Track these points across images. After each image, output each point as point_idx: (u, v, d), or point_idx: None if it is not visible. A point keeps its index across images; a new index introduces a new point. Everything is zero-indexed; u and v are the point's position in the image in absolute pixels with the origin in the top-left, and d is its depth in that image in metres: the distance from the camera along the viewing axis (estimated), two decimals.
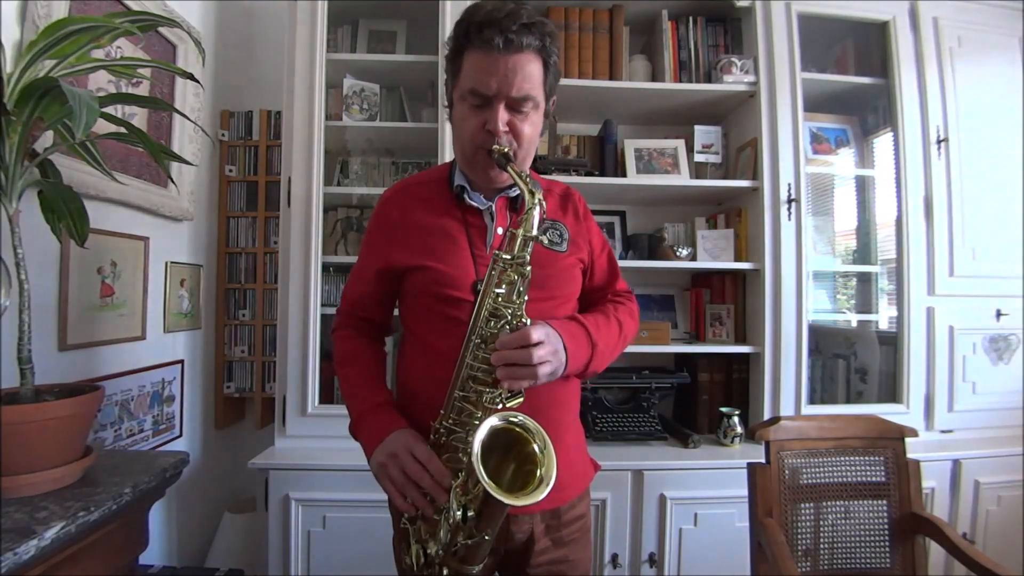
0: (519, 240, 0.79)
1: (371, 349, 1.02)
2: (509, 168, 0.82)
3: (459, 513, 0.75)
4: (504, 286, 0.80)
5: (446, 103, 0.94)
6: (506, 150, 0.83)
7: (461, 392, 0.80)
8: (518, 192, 0.93)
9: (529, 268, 0.80)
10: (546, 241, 0.88)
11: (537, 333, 0.77)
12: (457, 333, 0.85)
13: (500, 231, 0.92)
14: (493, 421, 0.75)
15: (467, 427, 0.80)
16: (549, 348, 0.78)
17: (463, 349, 0.81)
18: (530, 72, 0.83)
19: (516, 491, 0.73)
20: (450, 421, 0.81)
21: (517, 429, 0.77)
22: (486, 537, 0.76)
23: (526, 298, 0.80)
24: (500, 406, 0.77)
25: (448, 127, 1.66)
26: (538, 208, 0.80)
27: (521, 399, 0.78)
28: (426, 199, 0.94)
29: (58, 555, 0.75)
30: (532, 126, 0.87)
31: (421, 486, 0.78)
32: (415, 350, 0.95)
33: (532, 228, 0.80)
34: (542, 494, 0.72)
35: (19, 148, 0.83)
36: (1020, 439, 1.76)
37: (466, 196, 0.91)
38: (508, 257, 0.79)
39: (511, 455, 0.79)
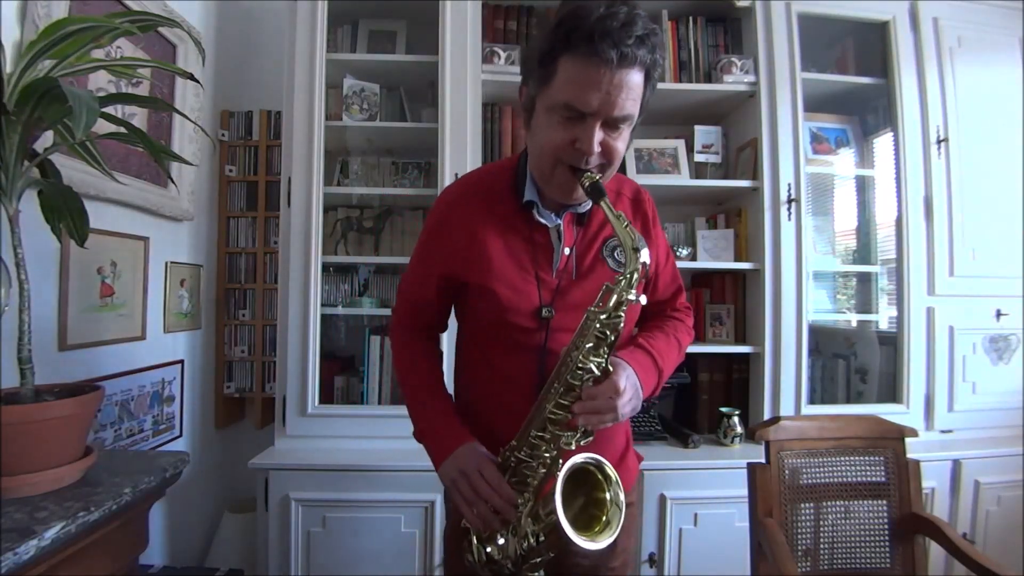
0: (614, 298, 0.75)
1: (431, 350, 1.01)
2: (604, 204, 0.76)
3: (533, 540, 0.78)
4: (593, 339, 0.77)
5: (524, 105, 0.84)
6: (597, 179, 0.77)
7: (537, 432, 0.80)
8: (587, 209, 0.89)
9: (623, 327, 0.76)
10: (612, 264, 0.87)
11: (622, 381, 0.76)
12: (519, 356, 0.85)
13: (567, 251, 0.87)
14: (577, 460, 0.76)
15: (538, 459, 0.81)
16: (631, 392, 0.78)
17: (543, 392, 0.80)
18: (633, 88, 0.74)
19: (581, 527, 0.76)
20: (522, 453, 0.82)
21: (598, 476, 0.79)
22: (550, 554, 0.80)
23: (609, 355, 0.78)
24: (574, 447, 0.78)
25: (448, 127, 1.66)
26: (641, 270, 0.74)
27: (591, 438, 0.78)
28: (491, 210, 0.88)
29: (58, 555, 0.75)
30: (624, 142, 0.80)
31: (491, 504, 0.80)
32: (476, 362, 0.95)
33: (631, 292, 0.75)
34: (607, 541, 0.74)
35: (19, 148, 0.83)
36: (1020, 439, 1.76)
37: (535, 213, 0.86)
38: (604, 317, 0.76)
39: (581, 489, 0.80)
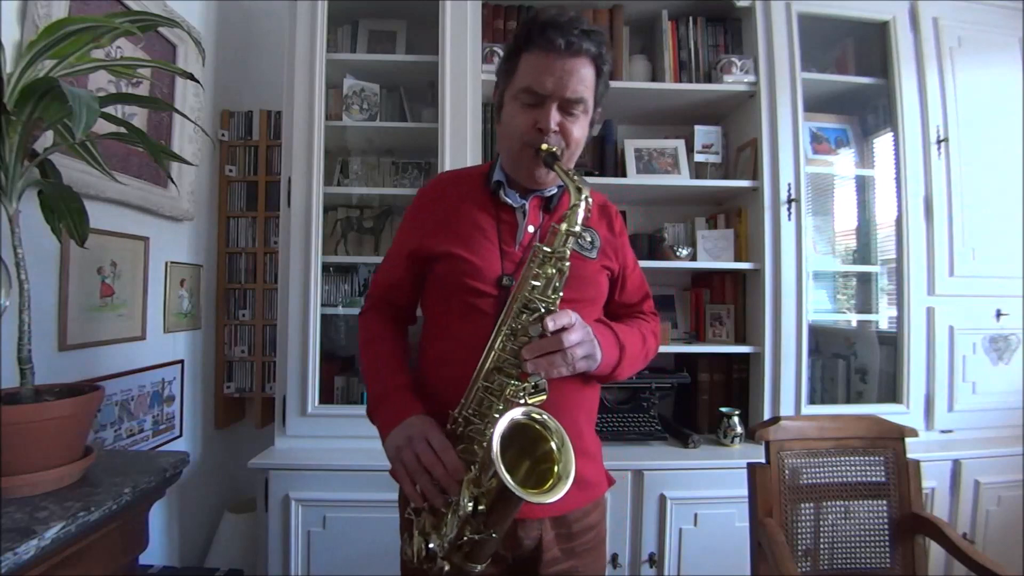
0: (561, 235, 0.80)
1: (395, 333, 1.02)
2: (556, 167, 0.84)
3: (469, 506, 0.72)
4: (541, 280, 0.80)
5: (496, 104, 0.96)
6: (554, 150, 0.85)
7: (485, 383, 0.79)
8: (553, 193, 0.95)
9: (568, 264, 0.80)
10: (576, 243, 0.88)
11: (572, 314, 0.78)
12: (479, 323, 0.85)
13: (531, 229, 0.93)
14: (514, 415, 0.74)
15: (486, 419, 0.78)
16: (581, 332, 0.79)
17: (492, 338, 0.80)
18: (584, 76, 0.85)
19: (533, 487, 0.72)
20: (469, 411, 0.80)
21: (536, 427, 0.76)
22: (493, 535, 0.74)
23: (561, 295, 0.80)
24: (523, 401, 0.76)
25: (448, 127, 1.66)
26: (583, 205, 0.80)
27: (544, 396, 0.77)
28: (465, 191, 0.96)
29: (58, 555, 0.75)
30: (581, 129, 0.89)
31: (433, 475, 0.76)
32: (436, 337, 0.95)
33: (576, 224, 0.80)
34: (560, 493, 0.70)
35: (19, 148, 0.83)
36: (1020, 439, 1.76)
37: (502, 192, 0.93)
38: (548, 250, 0.79)
39: (526, 453, 0.78)
